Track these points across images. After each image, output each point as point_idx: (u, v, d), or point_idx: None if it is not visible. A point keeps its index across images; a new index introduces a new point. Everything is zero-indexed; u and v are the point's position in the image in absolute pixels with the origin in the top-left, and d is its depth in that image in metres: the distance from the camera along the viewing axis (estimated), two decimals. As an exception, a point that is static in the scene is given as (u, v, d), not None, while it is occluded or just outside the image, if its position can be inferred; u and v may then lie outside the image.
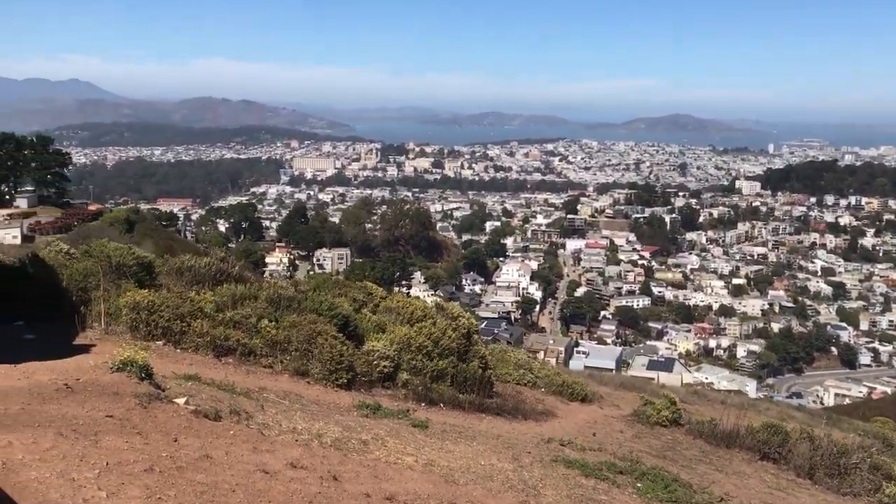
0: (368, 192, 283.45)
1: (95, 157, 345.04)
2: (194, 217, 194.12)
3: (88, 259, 16.04)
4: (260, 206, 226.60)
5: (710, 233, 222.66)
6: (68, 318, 13.98)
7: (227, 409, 8.49)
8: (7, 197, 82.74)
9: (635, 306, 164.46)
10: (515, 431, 13.96)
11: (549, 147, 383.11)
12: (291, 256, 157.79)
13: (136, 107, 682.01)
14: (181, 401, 7.69)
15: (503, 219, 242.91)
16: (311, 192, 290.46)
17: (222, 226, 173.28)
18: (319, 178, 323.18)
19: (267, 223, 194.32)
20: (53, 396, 6.62)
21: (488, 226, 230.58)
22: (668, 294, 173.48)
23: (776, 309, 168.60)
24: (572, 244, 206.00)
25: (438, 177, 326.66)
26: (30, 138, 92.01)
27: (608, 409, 21.22)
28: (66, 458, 5.38)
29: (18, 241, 64.04)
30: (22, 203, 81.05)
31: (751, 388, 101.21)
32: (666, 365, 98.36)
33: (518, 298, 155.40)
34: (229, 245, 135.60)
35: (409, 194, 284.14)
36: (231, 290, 15.04)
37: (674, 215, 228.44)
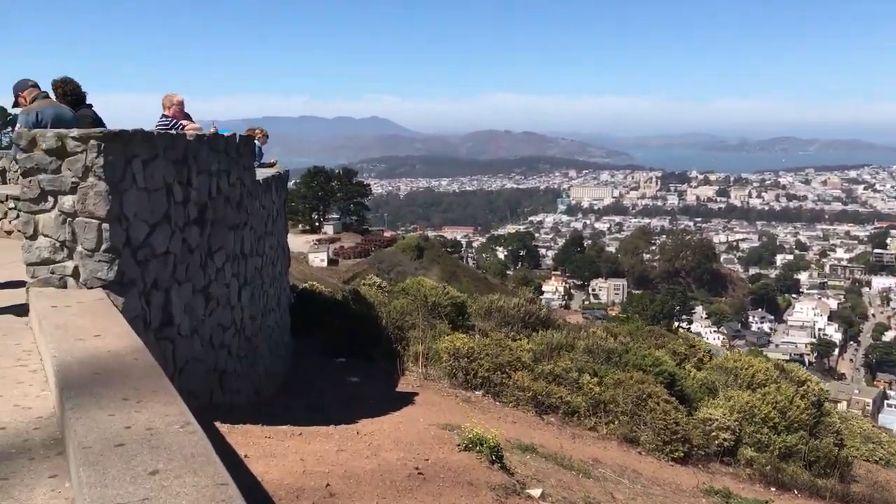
0: (647, 221, 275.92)
1: (390, 188, 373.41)
2: (475, 244, 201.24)
3: (405, 297, 15.92)
4: (537, 235, 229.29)
5: None
6: (385, 356, 13.78)
7: (580, 499, 7.21)
8: (317, 224, 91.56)
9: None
10: (897, 537, 11.23)
11: (852, 174, 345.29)
12: (567, 285, 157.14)
13: (427, 141, 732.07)
14: (536, 493, 6.53)
15: (796, 252, 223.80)
16: (588, 221, 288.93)
17: (501, 253, 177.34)
18: (596, 207, 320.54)
19: (543, 251, 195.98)
20: (406, 486, 5.74)
21: (779, 259, 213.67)
22: None
23: None
24: (879, 282, 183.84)
25: (723, 206, 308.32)
26: (336, 171, 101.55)
27: None
28: (438, 590, 4.33)
29: (325, 263, 70.52)
30: (329, 229, 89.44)
31: None
32: None
33: (813, 340, 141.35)
34: (507, 272, 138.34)
35: (691, 224, 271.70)
36: (548, 339, 13.95)
37: None
